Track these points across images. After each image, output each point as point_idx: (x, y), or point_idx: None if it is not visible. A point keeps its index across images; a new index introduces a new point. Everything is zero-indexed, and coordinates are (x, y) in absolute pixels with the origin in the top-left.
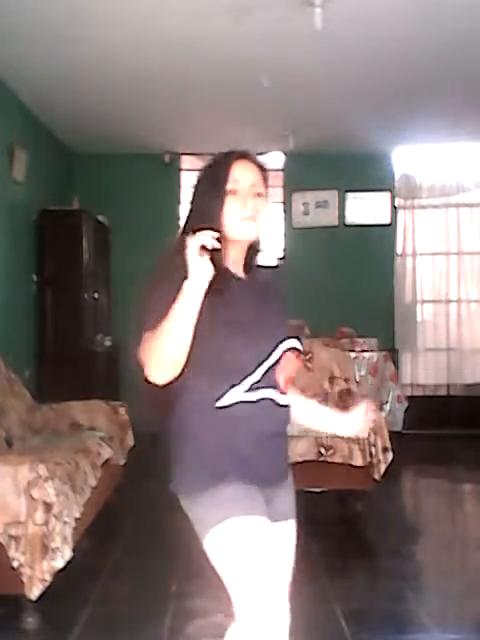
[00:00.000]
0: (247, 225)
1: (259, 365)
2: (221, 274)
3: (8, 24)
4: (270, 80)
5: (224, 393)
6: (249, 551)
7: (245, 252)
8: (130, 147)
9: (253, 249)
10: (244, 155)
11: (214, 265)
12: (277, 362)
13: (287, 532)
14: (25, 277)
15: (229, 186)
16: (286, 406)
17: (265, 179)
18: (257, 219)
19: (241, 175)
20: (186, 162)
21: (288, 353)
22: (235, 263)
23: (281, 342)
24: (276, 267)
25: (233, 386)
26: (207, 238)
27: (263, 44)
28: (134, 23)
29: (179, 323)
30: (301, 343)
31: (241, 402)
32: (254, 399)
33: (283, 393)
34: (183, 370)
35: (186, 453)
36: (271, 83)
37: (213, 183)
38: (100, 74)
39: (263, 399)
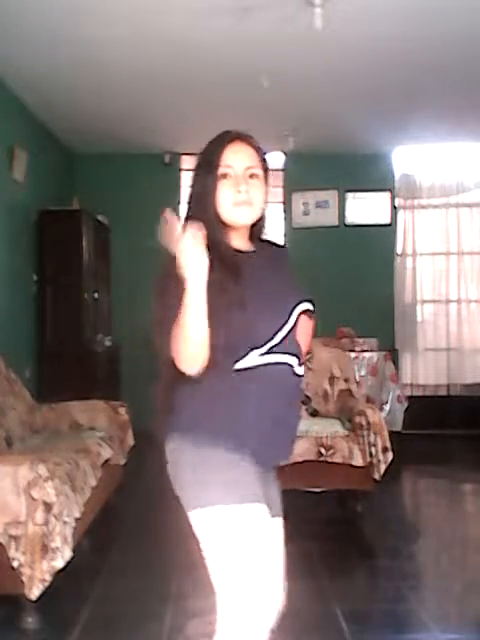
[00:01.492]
0: (241, 210)
1: (278, 331)
2: (227, 252)
3: (8, 24)
4: (270, 80)
5: (243, 356)
6: (242, 545)
7: (249, 231)
8: (130, 147)
9: (256, 228)
10: (238, 136)
11: (217, 247)
12: (294, 326)
13: (277, 530)
14: (25, 277)
15: (221, 171)
16: (301, 376)
17: (262, 159)
18: (253, 202)
19: (234, 158)
20: (186, 162)
21: (303, 316)
22: (240, 241)
23: (296, 306)
24: (283, 246)
25: (253, 349)
26: (191, 238)
27: (263, 44)
28: (134, 23)
29: (193, 317)
30: (313, 304)
31: (260, 365)
32: (273, 361)
33: (301, 362)
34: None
35: (195, 404)
36: (271, 83)
37: (207, 167)
38: (100, 74)
39: (281, 363)
